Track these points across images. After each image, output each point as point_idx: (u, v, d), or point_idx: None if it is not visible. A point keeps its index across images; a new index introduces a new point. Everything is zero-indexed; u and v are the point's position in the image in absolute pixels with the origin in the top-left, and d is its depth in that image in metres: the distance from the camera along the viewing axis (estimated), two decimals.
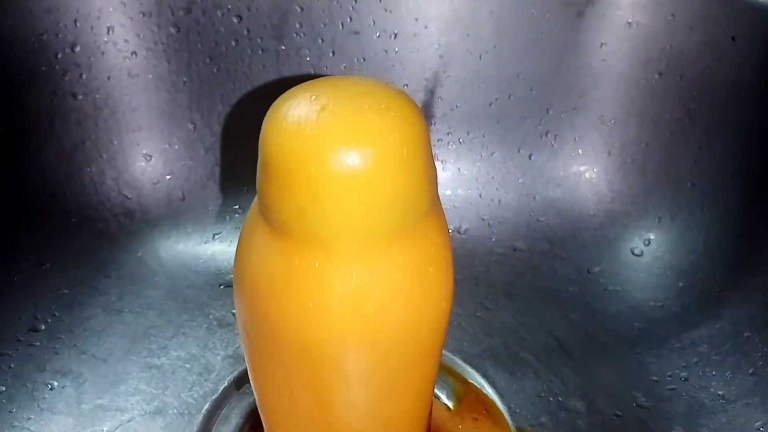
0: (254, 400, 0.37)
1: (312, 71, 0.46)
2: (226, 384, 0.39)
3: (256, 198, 0.24)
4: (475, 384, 0.39)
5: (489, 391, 0.38)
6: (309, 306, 0.22)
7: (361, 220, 0.21)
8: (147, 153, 0.47)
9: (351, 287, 0.22)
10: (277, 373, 0.25)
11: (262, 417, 0.30)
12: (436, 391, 0.37)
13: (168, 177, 0.48)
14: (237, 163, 0.48)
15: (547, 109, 0.47)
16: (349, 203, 0.21)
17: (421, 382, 0.27)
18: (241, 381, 0.39)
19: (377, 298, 0.22)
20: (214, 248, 0.47)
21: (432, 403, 0.30)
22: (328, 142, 0.20)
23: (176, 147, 0.47)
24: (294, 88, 0.22)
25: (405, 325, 0.23)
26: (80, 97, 0.45)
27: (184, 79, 0.46)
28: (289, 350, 0.24)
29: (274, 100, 0.23)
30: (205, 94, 0.46)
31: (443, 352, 0.37)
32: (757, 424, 0.35)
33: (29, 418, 0.36)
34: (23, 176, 0.44)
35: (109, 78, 0.45)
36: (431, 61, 0.46)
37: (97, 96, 0.45)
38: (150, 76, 0.46)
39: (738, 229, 0.42)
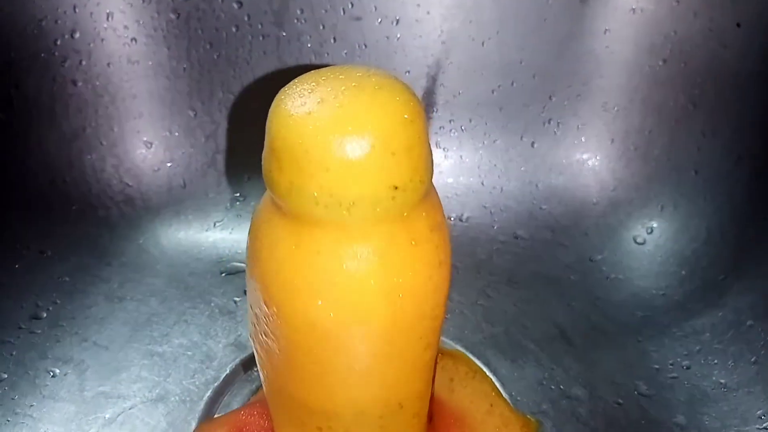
0: (256, 387, 0.37)
1: (313, 58, 0.46)
2: (228, 371, 0.39)
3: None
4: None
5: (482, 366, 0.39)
6: (316, 288, 0.24)
7: (364, 205, 0.22)
8: (147, 140, 0.47)
9: (356, 269, 0.23)
10: (285, 354, 0.26)
11: (268, 400, 0.30)
12: None
13: (169, 164, 0.47)
14: (238, 151, 0.48)
15: (550, 96, 0.47)
16: (353, 188, 0.22)
17: (421, 361, 0.27)
18: (243, 368, 0.39)
19: (381, 279, 0.24)
20: (215, 236, 0.47)
21: (435, 379, 0.30)
22: (332, 130, 0.22)
23: (177, 134, 0.47)
24: (299, 78, 0.24)
25: (403, 308, 0.24)
26: (80, 83, 0.45)
27: (184, 65, 0.46)
28: (295, 331, 0.25)
29: (275, 87, 0.24)
30: (205, 81, 0.46)
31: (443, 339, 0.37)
32: (758, 412, 0.35)
33: (32, 405, 0.36)
34: (23, 163, 0.44)
35: (108, 64, 0.45)
36: (433, 48, 0.46)
37: (97, 83, 0.45)
38: (150, 63, 0.45)
39: (741, 217, 0.42)
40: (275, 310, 0.25)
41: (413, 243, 0.24)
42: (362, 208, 0.22)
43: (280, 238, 0.24)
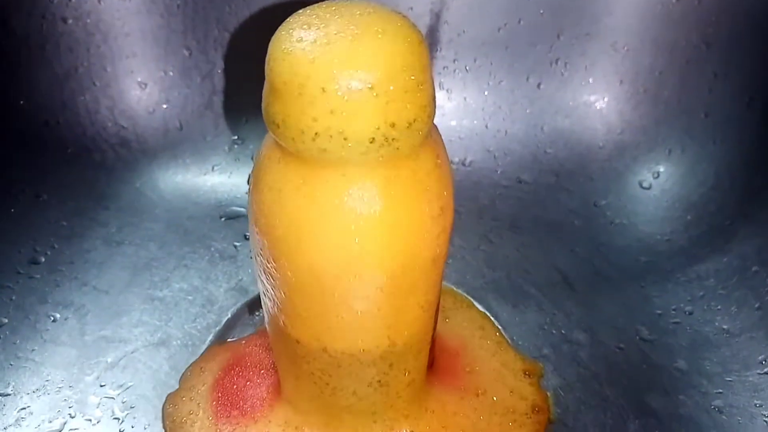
0: (257, 331, 0.37)
1: None
2: (229, 315, 0.39)
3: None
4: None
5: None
6: (318, 228, 0.24)
7: (364, 144, 0.22)
8: (142, 81, 0.46)
9: (357, 209, 0.23)
10: (287, 294, 0.26)
11: (270, 338, 0.31)
12: None
13: (164, 106, 0.46)
14: (235, 92, 0.46)
15: (558, 35, 0.45)
16: (352, 126, 0.22)
17: (423, 301, 0.28)
18: (243, 312, 0.39)
19: (382, 218, 0.24)
20: (213, 180, 0.46)
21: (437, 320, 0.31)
22: (332, 67, 0.21)
23: (171, 74, 0.46)
24: (299, 13, 0.23)
25: (404, 247, 0.25)
26: (70, 21, 0.43)
27: (178, 2, 0.44)
28: (298, 271, 0.25)
29: (272, 23, 0.23)
30: (200, 19, 0.44)
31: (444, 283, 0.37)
32: (760, 357, 0.35)
33: (33, 350, 0.36)
34: (15, 105, 0.43)
35: (99, 1, 0.43)
36: None
37: (88, 20, 0.43)
38: None
39: (751, 161, 0.41)
40: (277, 250, 0.25)
41: (414, 183, 0.24)
42: (362, 147, 0.22)
43: (282, 178, 0.24)
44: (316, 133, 0.22)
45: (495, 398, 0.34)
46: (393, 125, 0.22)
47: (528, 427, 0.33)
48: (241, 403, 0.33)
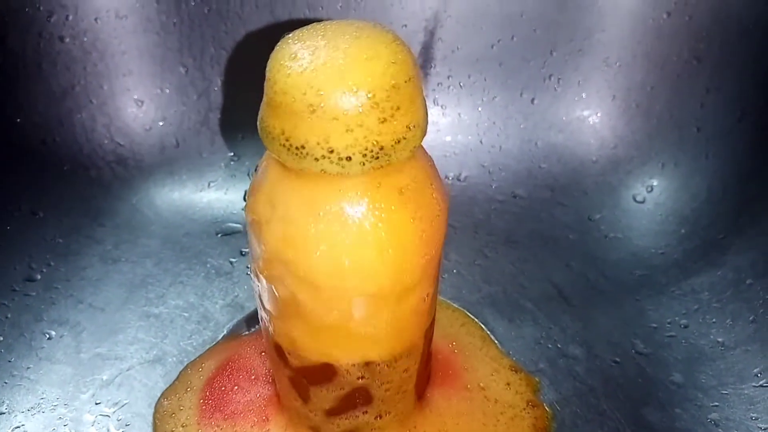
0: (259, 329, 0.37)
1: (307, 11, 0.44)
2: (224, 332, 0.39)
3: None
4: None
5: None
6: (313, 239, 0.24)
7: (359, 157, 0.23)
8: (138, 98, 0.46)
9: (350, 220, 0.24)
10: (283, 303, 0.27)
11: (266, 344, 0.31)
12: None
13: (161, 123, 0.46)
14: (231, 109, 0.47)
15: (551, 51, 0.45)
16: (347, 141, 0.23)
17: (417, 311, 0.28)
18: (239, 329, 0.39)
19: (374, 229, 0.24)
20: (209, 196, 0.46)
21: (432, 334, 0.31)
22: (327, 84, 0.22)
23: (168, 92, 0.46)
24: (297, 31, 0.24)
25: (397, 258, 0.25)
26: (67, 39, 0.43)
27: (174, 20, 0.44)
28: (293, 281, 0.26)
29: (267, 41, 0.24)
30: (196, 37, 0.45)
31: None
32: (755, 370, 0.35)
33: (28, 368, 0.36)
34: (12, 122, 0.43)
35: (96, 20, 0.44)
36: (431, 0, 0.44)
37: (85, 39, 0.44)
38: (139, 18, 0.44)
39: (743, 175, 0.41)
40: (274, 261, 0.25)
41: (405, 195, 0.25)
42: (355, 163, 0.23)
43: (278, 190, 0.25)
44: (310, 150, 0.23)
45: (494, 395, 0.34)
46: (385, 142, 0.23)
47: (527, 420, 0.33)
48: (225, 407, 0.34)
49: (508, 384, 0.35)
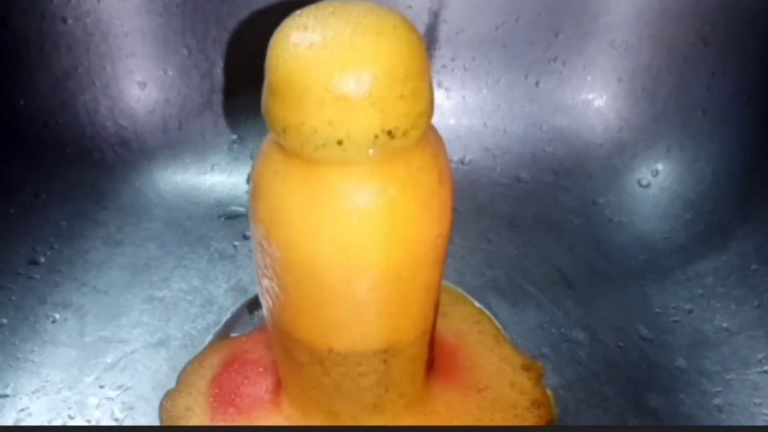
0: (258, 328, 0.37)
1: None
2: (228, 315, 0.39)
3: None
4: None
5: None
6: (317, 227, 0.24)
7: (364, 142, 0.22)
8: (141, 80, 0.46)
9: (356, 207, 0.24)
10: (287, 293, 0.27)
11: (271, 336, 0.31)
12: None
13: (164, 105, 0.46)
14: (235, 91, 0.46)
15: (556, 34, 0.45)
16: (352, 124, 0.22)
17: (423, 298, 0.28)
18: (243, 312, 0.39)
19: (380, 217, 0.24)
20: (212, 179, 0.46)
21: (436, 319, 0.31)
22: (332, 66, 0.22)
23: (171, 73, 0.46)
24: (299, 12, 0.23)
25: (404, 244, 0.25)
26: (70, 21, 0.43)
27: (177, 1, 0.44)
28: (298, 270, 0.25)
29: (271, 22, 0.23)
30: (199, 18, 0.44)
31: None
32: (759, 356, 0.35)
33: (32, 351, 0.36)
34: (15, 105, 0.43)
35: (99, 1, 0.43)
36: None
37: (88, 20, 0.43)
38: None
39: (749, 159, 0.41)
40: (277, 248, 0.25)
41: (413, 182, 0.24)
42: (361, 146, 0.22)
43: (281, 177, 0.24)
44: (315, 136, 0.22)
45: (496, 393, 0.34)
46: (391, 128, 0.22)
47: (530, 421, 0.33)
48: (238, 401, 0.33)
49: (512, 384, 0.35)
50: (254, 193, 0.26)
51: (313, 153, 0.23)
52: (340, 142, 0.22)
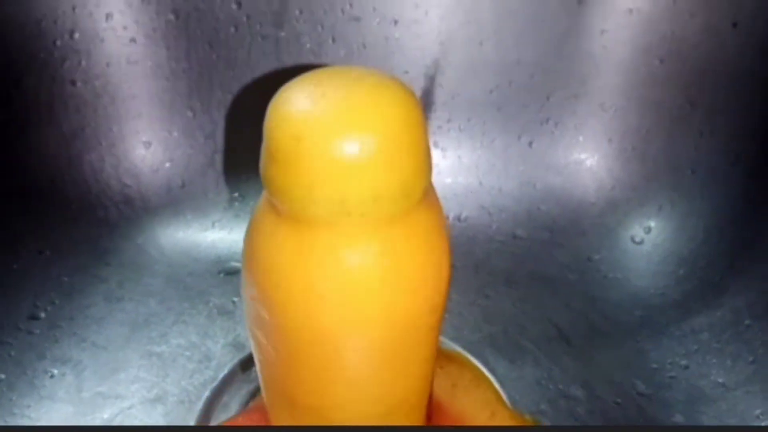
0: (255, 387, 0.37)
1: (312, 58, 0.46)
2: (226, 372, 0.39)
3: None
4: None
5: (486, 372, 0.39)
6: (314, 291, 0.23)
7: (363, 204, 0.22)
8: (146, 140, 0.47)
9: (355, 270, 0.23)
10: (282, 356, 0.26)
11: (265, 398, 0.30)
12: None
13: (167, 164, 0.47)
14: (236, 151, 0.48)
15: (548, 96, 0.47)
16: (351, 187, 0.22)
17: (421, 361, 0.28)
18: (241, 368, 0.39)
19: (380, 280, 0.24)
20: (213, 236, 0.47)
21: (433, 379, 0.30)
22: (331, 130, 0.21)
23: (175, 134, 0.47)
24: (299, 78, 0.23)
25: (404, 307, 0.24)
26: (79, 84, 0.45)
27: (184, 66, 0.46)
28: (294, 333, 0.25)
29: (273, 87, 0.23)
30: (204, 82, 0.46)
31: (442, 339, 0.37)
32: (757, 411, 0.35)
33: (29, 406, 0.36)
34: (22, 163, 0.44)
35: (108, 65, 0.45)
36: (432, 48, 0.46)
37: (97, 83, 0.45)
38: (149, 63, 0.45)
39: (739, 216, 0.42)
40: (272, 313, 0.25)
41: (412, 243, 0.24)
42: (360, 209, 0.22)
43: (277, 240, 0.24)
44: (312, 199, 0.22)
45: None
46: (391, 187, 0.22)
47: None
48: None
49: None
50: (248, 254, 0.25)
51: (310, 215, 0.22)
52: (338, 205, 0.22)
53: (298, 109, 0.22)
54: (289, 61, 0.46)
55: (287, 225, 0.23)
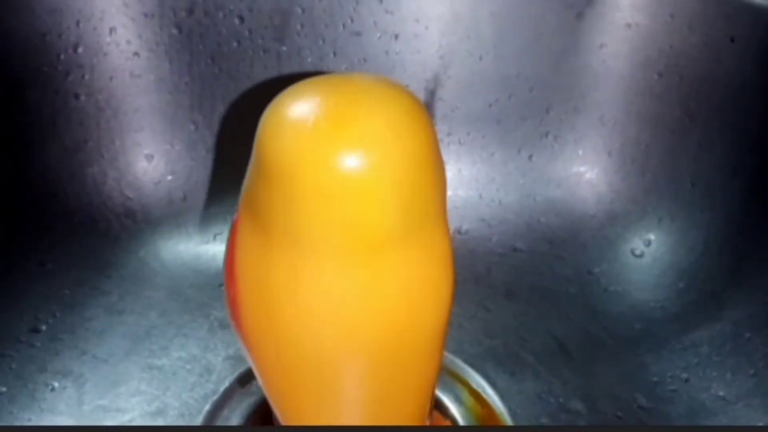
0: (255, 400, 0.37)
1: (313, 72, 0.46)
2: (227, 385, 0.39)
3: (240, 207, 0.23)
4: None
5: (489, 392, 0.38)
6: (314, 312, 0.22)
7: (365, 224, 0.20)
8: (149, 153, 0.47)
9: (354, 292, 0.22)
10: (277, 384, 0.26)
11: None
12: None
13: (169, 177, 0.48)
14: (238, 164, 0.47)
15: (547, 110, 0.47)
16: (352, 207, 0.20)
17: (422, 382, 0.27)
18: (242, 381, 0.39)
19: (380, 305, 0.22)
20: (215, 248, 0.47)
21: (433, 402, 0.30)
22: (330, 145, 0.19)
23: (178, 147, 0.47)
24: (292, 87, 0.21)
25: (407, 329, 0.23)
26: (82, 97, 0.45)
27: (186, 80, 0.46)
28: (294, 356, 0.24)
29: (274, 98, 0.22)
30: (206, 95, 0.46)
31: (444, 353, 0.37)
32: (758, 425, 0.35)
33: (30, 419, 0.36)
34: (24, 176, 0.44)
35: (111, 79, 0.45)
36: (432, 62, 0.46)
37: (99, 96, 0.45)
38: (152, 77, 0.46)
39: (738, 229, 0.42)
40: (264, 341, 0.24)
41: (416, 267, 0.22)
42: (360, 230, 0.20)
43: (266, 266, 0.22)
44: (307, 218, 0.20)
45: None
46: (396, 205, 0.20)
47: None
48: None
49: None
50: (233, 282, 0.23)
51: (304, 237, 0.20)
52: (340, 228, 0.20)
53: (292, 123, 0.19)
54: (290, 75, 0.46)
55: (278, 250, 0.21)
